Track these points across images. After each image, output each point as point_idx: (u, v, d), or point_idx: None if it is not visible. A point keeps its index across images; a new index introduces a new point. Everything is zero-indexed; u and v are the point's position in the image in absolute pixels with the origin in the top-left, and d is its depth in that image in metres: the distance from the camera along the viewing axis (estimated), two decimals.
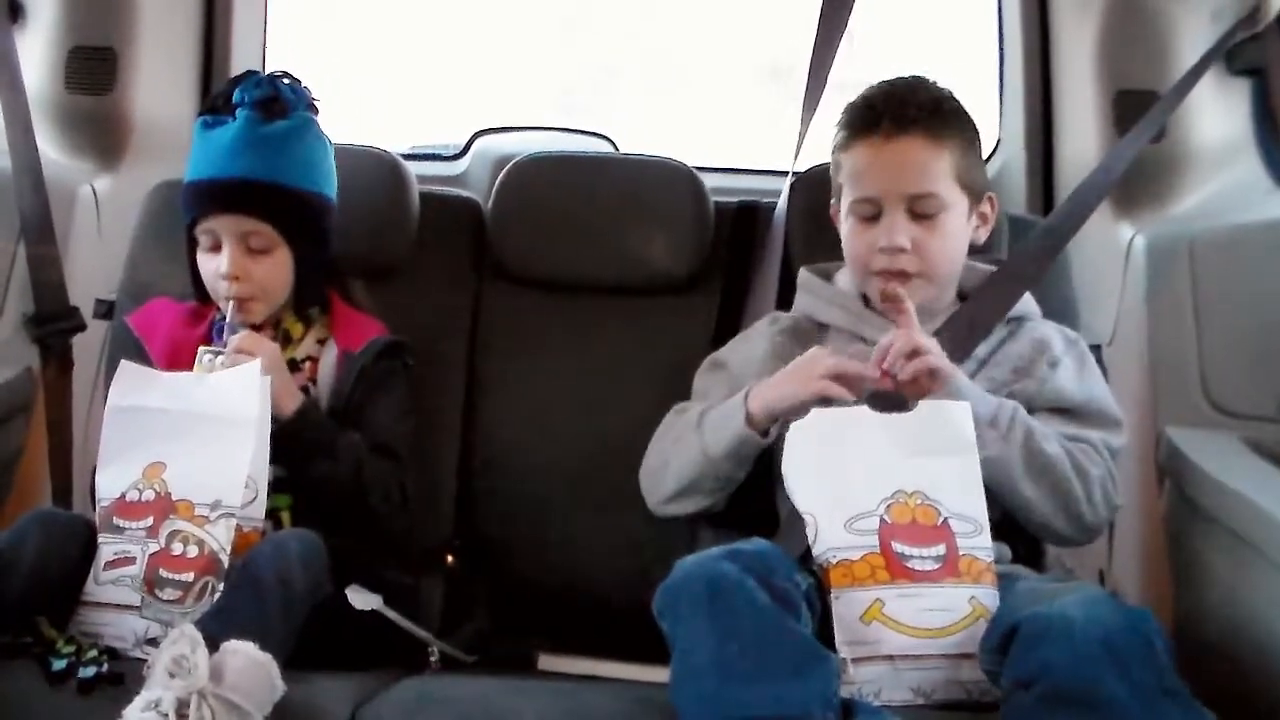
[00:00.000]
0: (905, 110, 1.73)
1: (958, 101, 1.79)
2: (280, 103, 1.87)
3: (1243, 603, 1.69)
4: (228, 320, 1.82)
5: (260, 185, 1.83)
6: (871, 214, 1.76)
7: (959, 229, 1.77)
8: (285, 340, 1.90)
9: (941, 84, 1.80)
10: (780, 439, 1.68)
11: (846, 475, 1.58)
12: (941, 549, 1.54)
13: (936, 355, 1.63)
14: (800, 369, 1.68)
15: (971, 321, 1.76)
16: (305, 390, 1.86)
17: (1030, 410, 1.72)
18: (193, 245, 1.89)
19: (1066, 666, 1.33)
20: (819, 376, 1.65)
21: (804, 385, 1.66)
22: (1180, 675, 1.37)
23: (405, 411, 1.92)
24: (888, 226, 1.74)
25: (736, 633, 1.39)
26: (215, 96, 1.92)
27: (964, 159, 1.76)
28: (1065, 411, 1.75)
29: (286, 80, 1.89)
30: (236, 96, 1.86)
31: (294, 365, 1.88)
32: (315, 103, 1.93)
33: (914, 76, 1.80)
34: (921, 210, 1.73)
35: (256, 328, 1.87)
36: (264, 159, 1.83)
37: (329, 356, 1.90)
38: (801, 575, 1.51)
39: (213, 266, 1.85)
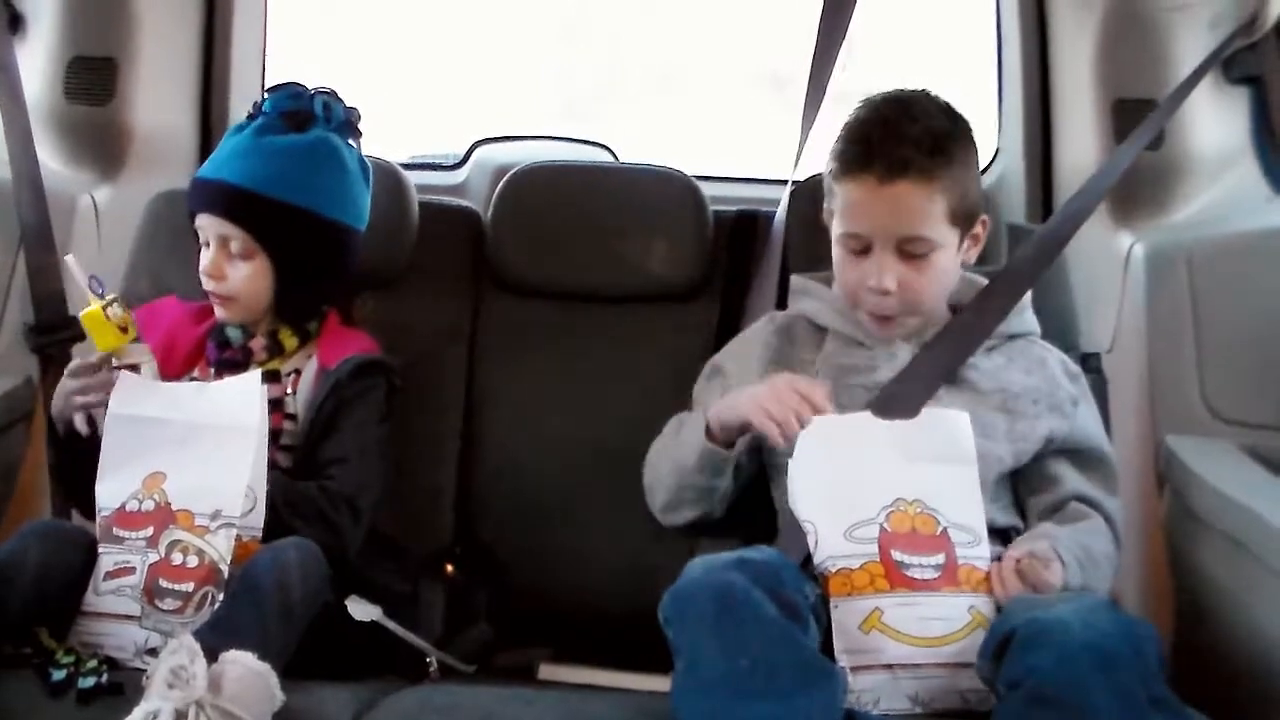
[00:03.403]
0: (900, 150, 1.67)
1: (958, 123, 1.74)
2: (301, 117, 1.87)
3: (1243, 609, 1.69)
4: (93, 276, 1.78)
5: (241, 192, 1.82)
6: (860, 249, 1.72)
7: (949, 264, 1.74)
8: (277, 351, 1.88)
9: (941, 100, 1.74)
10: (760, 451, 1.71)
11: (847, 482, 1.58)
12: (941, 558, 1.54)
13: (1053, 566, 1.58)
14: (760, 391, 1.64)
15: (962, 334, 1.75)
16: (280, 401, 1.84)
17: (1039, 455, 1.73)
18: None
19: (1052, 669, 1.34)
20: (761, 403, 1.61)
21: (749, 406, 1.63)
22: (1180, 682, 1.38)
23: (376, 422, 1.87)
24: (876, 267, 1.70)
25: (745, 647, 1.39)
26: (257, 104, 1.92)
27: (959, 193, 1.71)
28: (1070, 452, 1.74)
29: (323, 96, 1.89)
30: (266, 105, 1.88)
31: (275, 376, 1.86)
32: (354, 122, 1.91)
33: (911, 99, 1.73)
34: (912, 250, 1.70)
35: (249, 334, 1.88)
36: (255, 168, 1.83)
37: (309, 371, 1.88)
38: (810, 586, 1.52)
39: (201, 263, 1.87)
